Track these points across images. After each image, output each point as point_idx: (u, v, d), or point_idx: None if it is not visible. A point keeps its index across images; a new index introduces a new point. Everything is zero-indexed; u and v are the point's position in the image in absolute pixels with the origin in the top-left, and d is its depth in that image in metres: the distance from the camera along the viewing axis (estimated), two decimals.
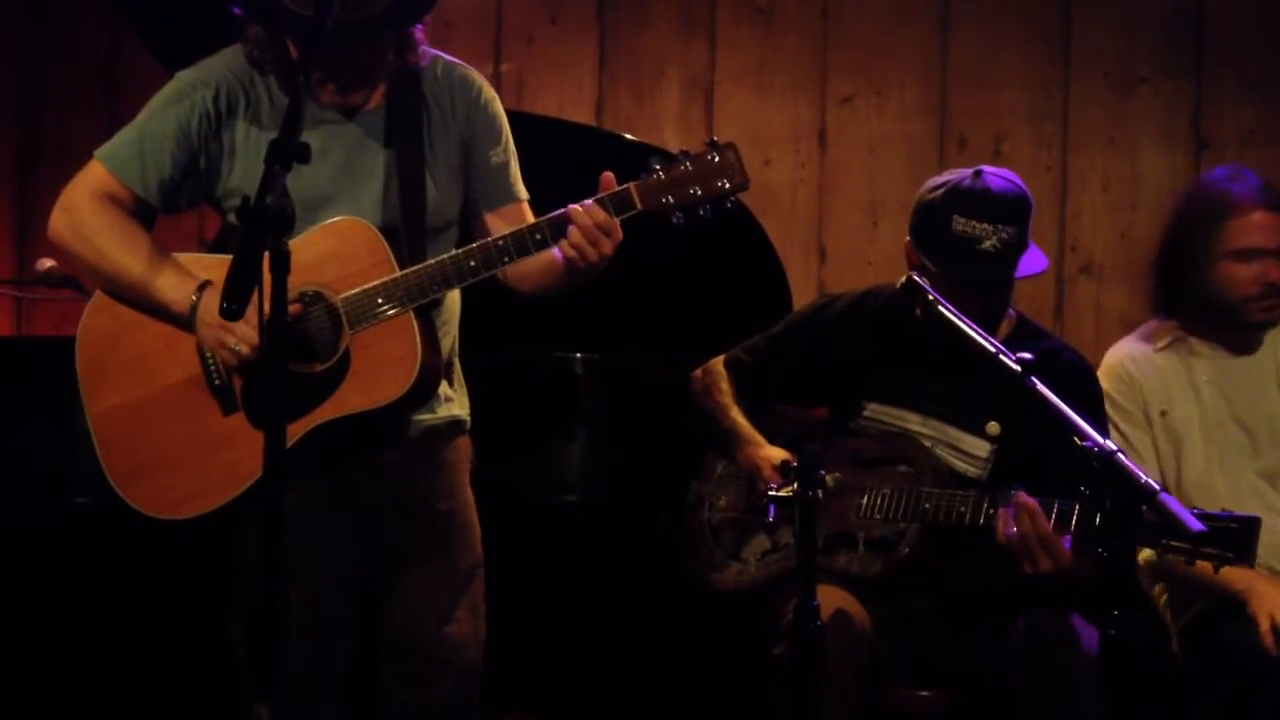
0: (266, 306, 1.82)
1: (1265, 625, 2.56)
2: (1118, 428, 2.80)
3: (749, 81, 3.94)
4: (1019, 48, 3.81)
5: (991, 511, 2.48)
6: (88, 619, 3.31)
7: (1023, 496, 2.43)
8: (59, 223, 2.32)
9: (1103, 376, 2.84)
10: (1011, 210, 2.60)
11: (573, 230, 2.15)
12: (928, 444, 2.65)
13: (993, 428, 2.65)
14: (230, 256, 1.86)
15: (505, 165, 2.38)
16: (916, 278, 2.21)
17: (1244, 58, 3.71)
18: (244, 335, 2.18)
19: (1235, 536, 2.22)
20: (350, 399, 2.22)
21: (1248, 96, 3.71)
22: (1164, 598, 2.81)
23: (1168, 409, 2.80)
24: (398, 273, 2.21)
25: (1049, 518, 2.40)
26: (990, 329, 2.14)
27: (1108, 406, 2.80)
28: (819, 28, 3.91)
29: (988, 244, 2.56)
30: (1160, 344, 2.85)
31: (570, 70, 4.02)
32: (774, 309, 3.07)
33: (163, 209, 2.34)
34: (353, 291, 2.21)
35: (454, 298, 2.41)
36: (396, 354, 2.21)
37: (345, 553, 2.34)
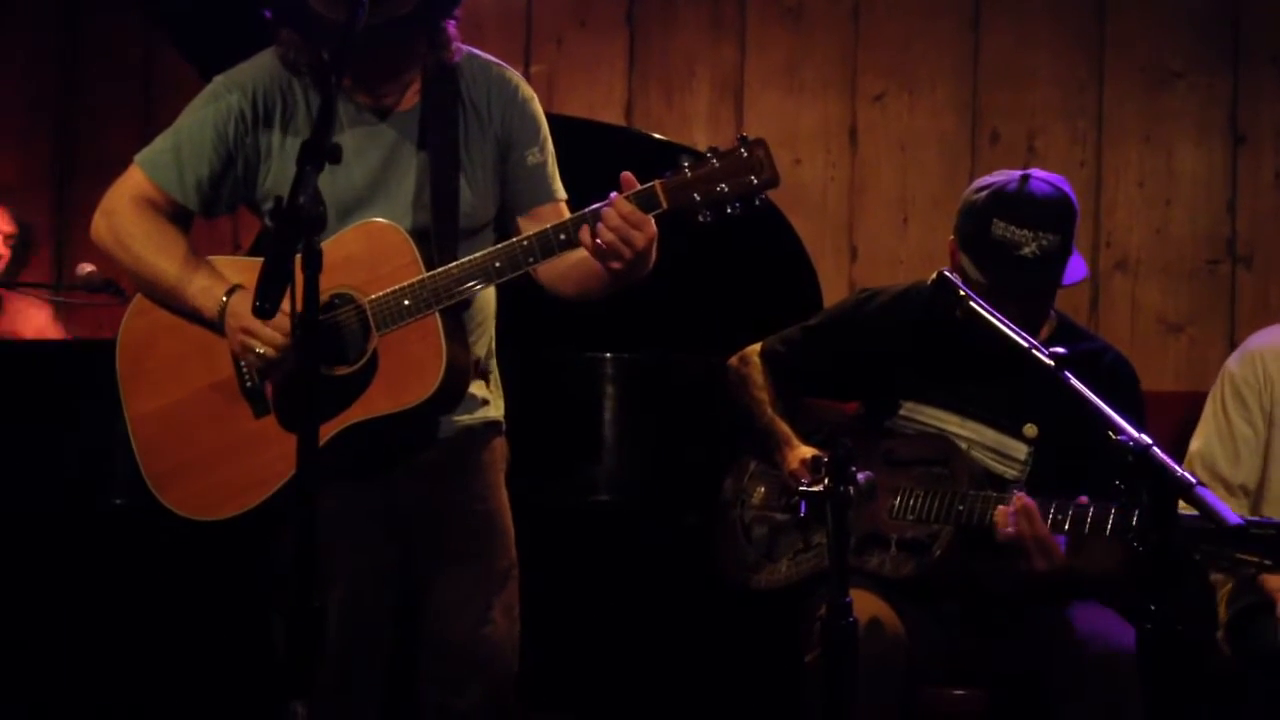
0: (299, 306, 1.83)
1: None
2: (1226, 413, 2.74)
3: (779, 81, 3.94)
4: (1052, 43, 3.79)
5: None
6: (130, 617, 3.34)
7: (1022, 497, 2.45)
8: (100, 226, 2.35)
9: (1235, 361, 2.77)
10: (1053, 217, 2.56)
11: (600, 227, 2.13)
12: (964, 446, 2.63)
13: (1030, 430, 2.63)
14: (262, 258, 1.87)
15: (542, 165, 2.37)
16: (948, 273, 2.19)
17: None
18: (267, 338, 2.20)
19: (1274, 543, 2.15)
20: (378, 401, 2.22)
21: None
22: (1227, 586, 2.76)
23: None
24: (424, 274, 2.22)
25: (1046, 519, 2.42)
26: (1031, 332, 2.12)
27: (1226, 389, 2.75)
28: (849, 26, 3.90)
29: (1027, 250, 2.54)
30: None
31: (600, 72, 4.03)
32: (805, 308, 3.05)
33: (200, 213, 2.36)
34: (380, 293, 2.22)
35: (488, 299, 2.41)
36: (423, 356, 2.21)
37: (384, 551, 2.35)
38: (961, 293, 2.15)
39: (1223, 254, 3.70)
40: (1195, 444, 2.82)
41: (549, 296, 2.38)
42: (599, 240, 2.13)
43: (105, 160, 4.23)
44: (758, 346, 2.85)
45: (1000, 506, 2.47)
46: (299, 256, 1.82)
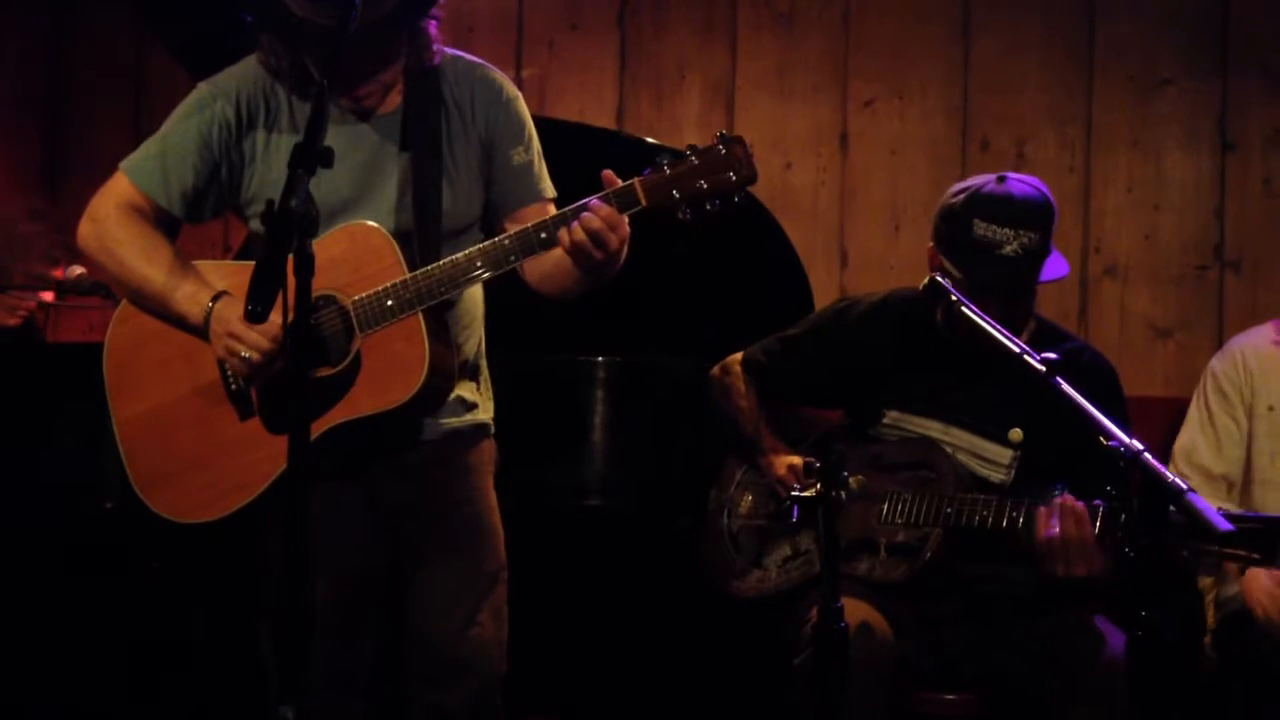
0: (290, 310, 1.82)
1: (1259, 611, 2.56)
2: (1208, 409, 2.81)
3: (770, 85, 3.94)
4: (1041, 49, 3.80)
5: (1015, 515, 2.47)
6: (118, 621, 3.33)
7: (1069, 499, 2.42)
8: (85, 232, 2.35)
9: (1218, 359, 2.86)
10: (1033, 215, 2.58)
11: (575, 226, 2.14)
12: (948, 450, 2.64)
13: (1015, 434, 2.64)
14: (251, 263, 1.87)
15: (529, 165, 2.37)
16: (939, 278, 2.20)
17: (1269, 58, 3.69)
18: (253, 343, 2.20)
19: (1260, 537, 2.19)
20: (363, 401, 2.23)
21: (1273, 97, 3.69)
22: (1214, 591, 2.79)
23: (1276, 405, 2.77)
24: (407, 275, 2.22)
25: (1094, 524, 2.39)
26: (1014, 333, 2.13)
27: (1209, 385, 2.82)
28: (840, 31, 3.90)
29: (1008, 249, 2.56)
30: None
31: (591, 75, 4.03)
32: (795, 313, 3.06)
33: (186, 219, 2.36)
34: (364, 294, 2.22)
35: (476, 300, 2.41)
36: (406, 356, 2.21)
37: (370, 552, 2.35)
38: (954, 298, 2.16)
39: (1211, 260, 3.72)
40: (1179, 440, 2.88)
41: (539, 299, 2.39)
42: (574, 239, 2.14)
43: (96, 161, 4.23)
44: (739, 356, 2.86)
45: (1041, 508, 2.45)
46: (290, 260, 1.82)
